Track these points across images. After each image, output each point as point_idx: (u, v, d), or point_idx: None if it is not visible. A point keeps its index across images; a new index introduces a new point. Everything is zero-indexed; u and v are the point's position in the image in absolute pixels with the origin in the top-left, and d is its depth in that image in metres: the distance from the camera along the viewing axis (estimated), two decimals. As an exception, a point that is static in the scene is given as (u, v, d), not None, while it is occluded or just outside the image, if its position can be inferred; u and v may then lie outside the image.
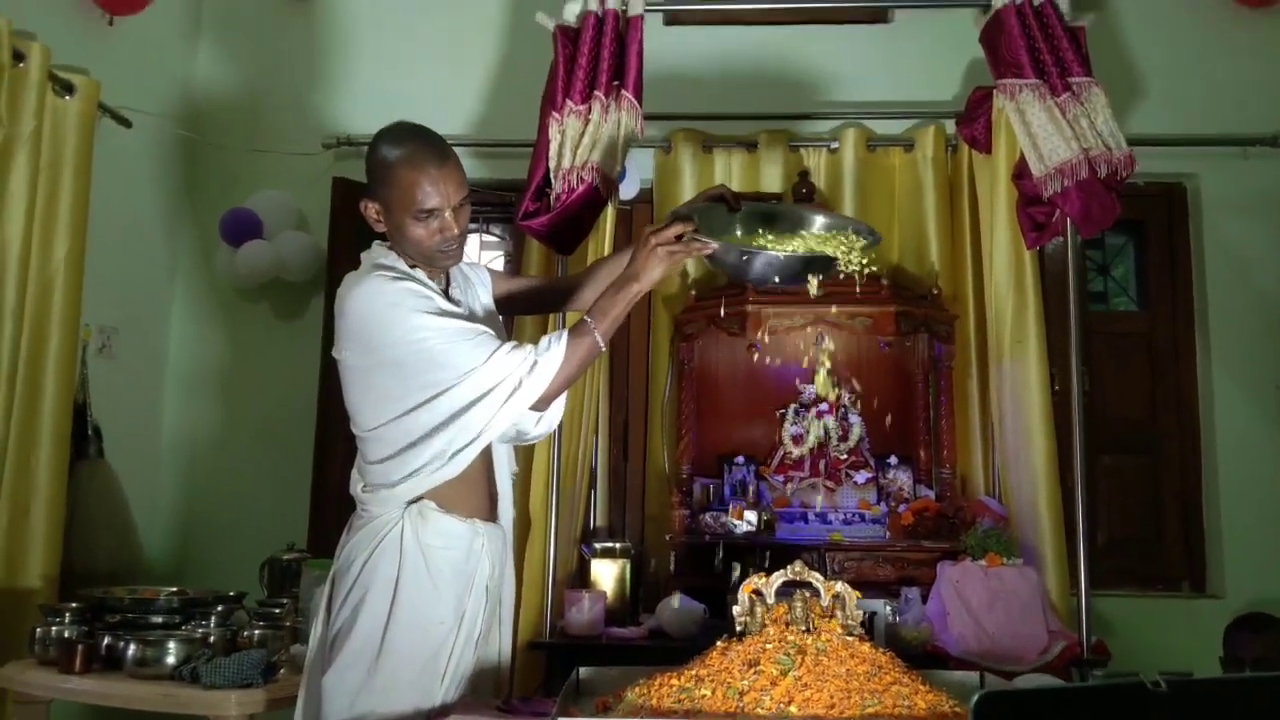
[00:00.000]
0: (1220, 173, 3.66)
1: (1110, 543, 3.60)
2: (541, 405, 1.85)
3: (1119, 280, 3.92)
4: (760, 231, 2.01)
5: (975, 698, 1.10)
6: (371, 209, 1.89)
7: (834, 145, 3.63)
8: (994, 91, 2.95)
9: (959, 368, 3.40)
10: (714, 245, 1.84)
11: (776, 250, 1.88)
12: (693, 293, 3.46)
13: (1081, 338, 2.88)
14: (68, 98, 3.00)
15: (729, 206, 2.02)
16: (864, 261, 1.92)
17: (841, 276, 1.93)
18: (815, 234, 2.00)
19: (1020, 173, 2.86)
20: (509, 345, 1.81)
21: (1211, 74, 3.69)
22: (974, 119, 3.16)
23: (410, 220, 1.83)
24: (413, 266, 1.89)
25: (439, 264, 1.90)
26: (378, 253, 1.92)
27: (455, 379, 1.77)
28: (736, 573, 2.90)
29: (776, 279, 1.88)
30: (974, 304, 3.42)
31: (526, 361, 1.79)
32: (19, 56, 2.83)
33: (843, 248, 1.92)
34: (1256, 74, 3.68)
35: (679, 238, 1.83)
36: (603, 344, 1.84)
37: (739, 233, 1.98)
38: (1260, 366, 3.57)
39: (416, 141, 1.84)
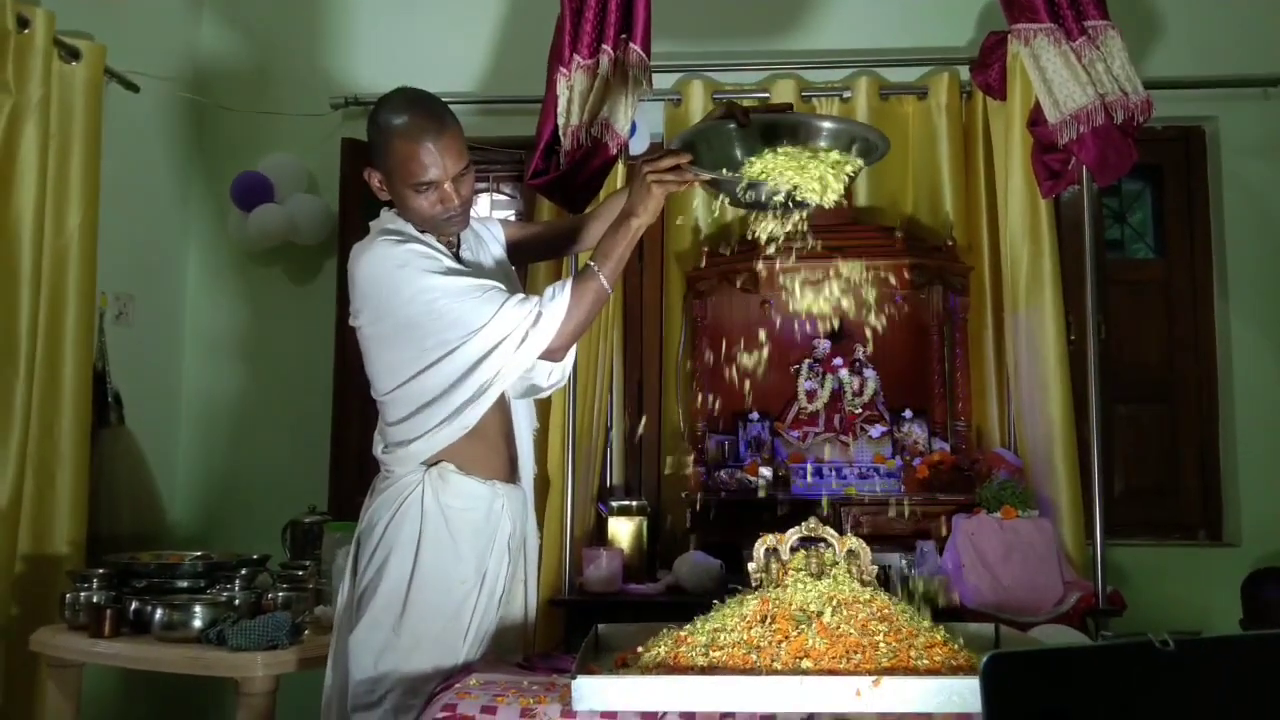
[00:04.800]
0: (1240, 114, 3.58)
1: (1127, 492, 3.59)
2: (555, 356, 1.84)
3: (1136, 227, 3.88)
4: (743, 159, 1.90)
5: (985, 659, 1.11)
6: (375, 178, 1.90)
7: (846, 94, 3.57)
8: (1008, 36, 2.90)
9: (974, 319, 3.38)
10: (707, 175, 1.82)
11: (766, 178, 1.82)
12: (705, 249, 3.45)
13: (1098, 286, 2.86)
14: (74, 64, 2.98)
15: (737, 122, 1.97)
16: (849, 177, 1.84)
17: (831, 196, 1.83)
18: (816, 149, 1.92)
19: (1035, 119, 2.82)
20: (517, 298, 1.81)
21: (1231, 12, 3.60)
22: (988, 65, 3.11)
23: (409, 191, 1.83)
24: (422, 232, 1.89)
25: (444, 231, 1.90)
26: (385, 218, 1.93)
27: (465, 336, 1.77)
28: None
29: (777, 201, 1.82)
30: (989, 254, 3.39)
31: (532, 313, 1.79)
32: (23, 23, 2.80)
33: (832, 169, 1.84)
34: (1277, 12, 3.59)
35: (674, 169, 1.80)
36: (608, 286, 1.83)
37: (739, 152, 1.92)
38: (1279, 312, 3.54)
39: (414, 112, 1.82)
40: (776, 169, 1.83)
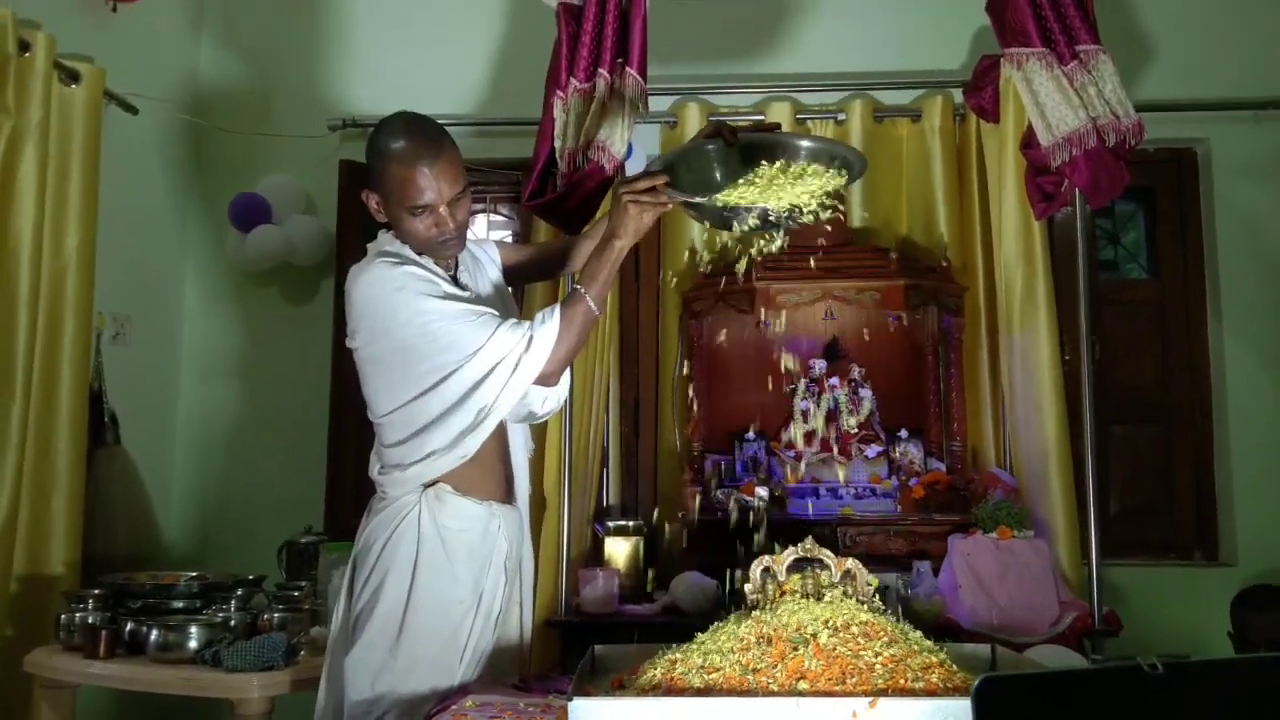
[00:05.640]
0: (1231, 136, 3.62)
1: (1122, 512, 3.60)
2: (549, 380, 1.86)
3: (1129, 248, 3.90)
4: (722, 180, 1.91)
5: (975, 682, 1.12)
6: (372, 200, 1.91)
7: (841, 117, 3.61)
8: (1001, 60, 2.93)
9: (969, 340, 3.40)
10: (681, 198, 1.83)
11: (741, 201, 1.81)
12: (701, 270, 3.47)
13: (1091, 307, 2.87)
14: (73, 86, 3.01)
15: (725, 141, 1.98)
16: (827, 201, 1.82)
17: (809, 218, 1.82)
18: (795, 169, 1.92)
19: (1028, 142, 2.84)
20: (510, 323, 1.82)
21: (1221, 36, 3.64)
22: (981, 88, 3.14)
23: (405, 214, 1.85)
24: (419, 254, 1.90)
25: (440, 254, 1.91)
26: (383, 240, 1.94)
27: (461, 360, 1.79)
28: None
29: (754, 223, 1.82)
30: (983, 275, 3.42)
31: (524, 339, 1.80)
32: (24, 46, 2.83)
33: (811, 187, 1.83)
34: (1267, 35, 3.63)
35: (651, 190, 1.80)
36: (596, 309, 1.84)
37: (719, 175, 1.93)
38: (1272, 332, 3.55)
39: (410, 136, 1.84)
40: (749, 194, 1.84)
